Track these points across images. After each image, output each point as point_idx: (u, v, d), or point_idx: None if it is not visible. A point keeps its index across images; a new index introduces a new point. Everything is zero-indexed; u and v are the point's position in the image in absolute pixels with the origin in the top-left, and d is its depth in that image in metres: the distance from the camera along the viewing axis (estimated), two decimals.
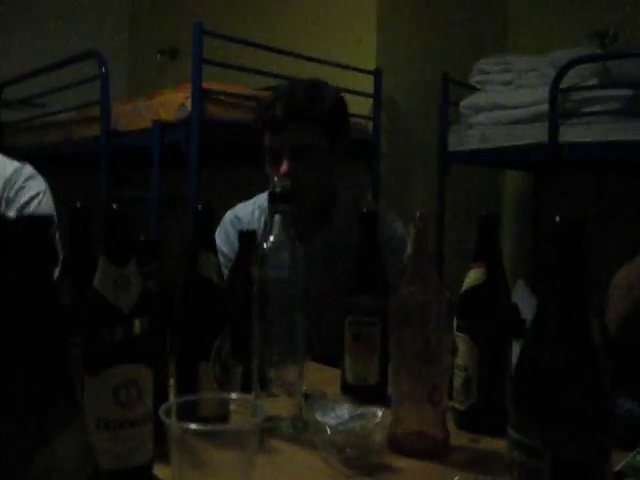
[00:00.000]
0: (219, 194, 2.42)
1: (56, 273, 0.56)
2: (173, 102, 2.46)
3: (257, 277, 0.95)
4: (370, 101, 2.99)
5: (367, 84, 2.96)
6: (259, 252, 0.96)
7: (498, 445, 0.88)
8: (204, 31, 2.40)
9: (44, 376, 0.47)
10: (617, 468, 0.76)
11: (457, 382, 0.99)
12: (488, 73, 2.99)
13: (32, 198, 1.72)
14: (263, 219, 1.61)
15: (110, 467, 0.71)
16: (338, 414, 0.91)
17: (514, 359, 0.69)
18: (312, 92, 1.51)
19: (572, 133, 2.60)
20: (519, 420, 0.64)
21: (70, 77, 2.94)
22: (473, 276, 0.99)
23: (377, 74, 2.98)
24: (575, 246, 0.62)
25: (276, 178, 0.98)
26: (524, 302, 2.75)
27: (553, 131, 2.63)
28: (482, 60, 3.03)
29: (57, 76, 3.02)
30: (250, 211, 1.66)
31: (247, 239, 1.16)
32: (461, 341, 0.98)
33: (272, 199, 0.97)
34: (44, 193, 1.75)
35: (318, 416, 0.89)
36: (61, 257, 0.72)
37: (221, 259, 1.01)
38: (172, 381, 0.92)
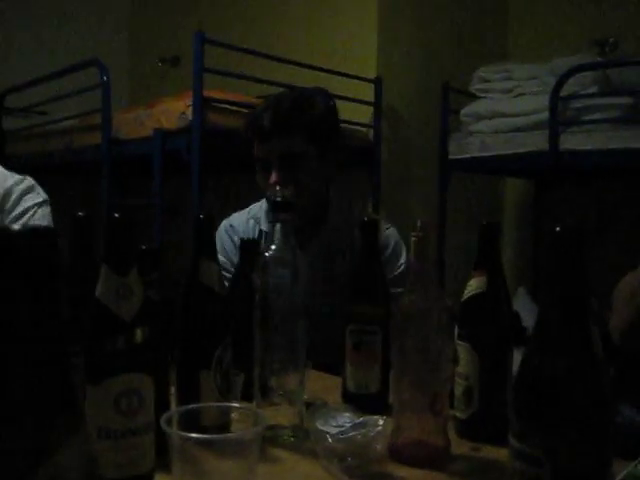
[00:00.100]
0: (221, 202, 2.42)
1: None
2: (174, 110, 2.47)
3: (259, 285, 0.96)
4: (371, 109, 3.00)
5: (368, 92, 2.97)
6: (260, 261, 0.96)
7: (499, 454, 0.88)
8: (205, 40, 2.41)
9: (46, 386, 0.47)
10: (619, 478, 0.76)
11: (458, 391, 0.99)
12: (488, 81, 2.99)
13: (27, 210, 1.72)
14: (257, 229, 1.62)
15: (112, 477, 0.71)
16: (339, 423, 0.91)
17: (515, 367, 0.69)
18: (299, 101, 1.52)
19: (572, 141, 2.60)
20: (520, 429, 0.64)
21: (71, 85, 2.95)
22: (474, 284, 0.99)
23: (378, 82, 2.99)
24: (575, 255, 0.62)
25: (278, 187, 0.98)
26: (525, 310, 2.74)
27: (553, 139, 2.63)
28: (482, 68, 3.04)
29: (58, 84, 3.03)
30: (244, 220, 1.66)
31: (248, 248, 1.16)
32: (462, 349, 0.98)
33: (273, 208, 0.98)
34: (39, 205, 1.74)
35: (319, 424, 0.89)
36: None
37: None
38: (173, 390, 0.92)
